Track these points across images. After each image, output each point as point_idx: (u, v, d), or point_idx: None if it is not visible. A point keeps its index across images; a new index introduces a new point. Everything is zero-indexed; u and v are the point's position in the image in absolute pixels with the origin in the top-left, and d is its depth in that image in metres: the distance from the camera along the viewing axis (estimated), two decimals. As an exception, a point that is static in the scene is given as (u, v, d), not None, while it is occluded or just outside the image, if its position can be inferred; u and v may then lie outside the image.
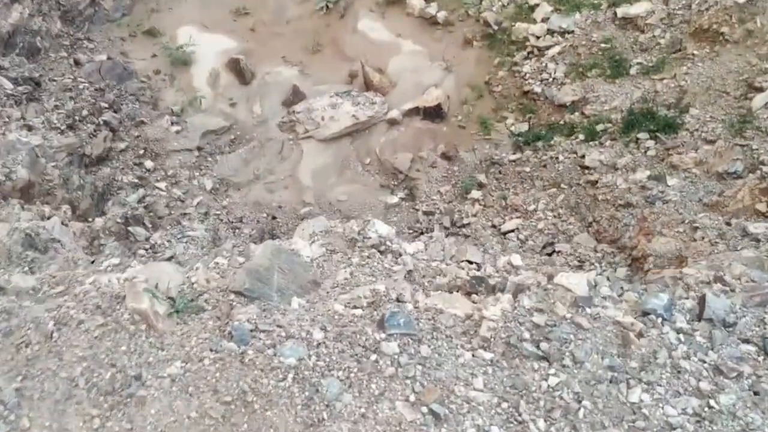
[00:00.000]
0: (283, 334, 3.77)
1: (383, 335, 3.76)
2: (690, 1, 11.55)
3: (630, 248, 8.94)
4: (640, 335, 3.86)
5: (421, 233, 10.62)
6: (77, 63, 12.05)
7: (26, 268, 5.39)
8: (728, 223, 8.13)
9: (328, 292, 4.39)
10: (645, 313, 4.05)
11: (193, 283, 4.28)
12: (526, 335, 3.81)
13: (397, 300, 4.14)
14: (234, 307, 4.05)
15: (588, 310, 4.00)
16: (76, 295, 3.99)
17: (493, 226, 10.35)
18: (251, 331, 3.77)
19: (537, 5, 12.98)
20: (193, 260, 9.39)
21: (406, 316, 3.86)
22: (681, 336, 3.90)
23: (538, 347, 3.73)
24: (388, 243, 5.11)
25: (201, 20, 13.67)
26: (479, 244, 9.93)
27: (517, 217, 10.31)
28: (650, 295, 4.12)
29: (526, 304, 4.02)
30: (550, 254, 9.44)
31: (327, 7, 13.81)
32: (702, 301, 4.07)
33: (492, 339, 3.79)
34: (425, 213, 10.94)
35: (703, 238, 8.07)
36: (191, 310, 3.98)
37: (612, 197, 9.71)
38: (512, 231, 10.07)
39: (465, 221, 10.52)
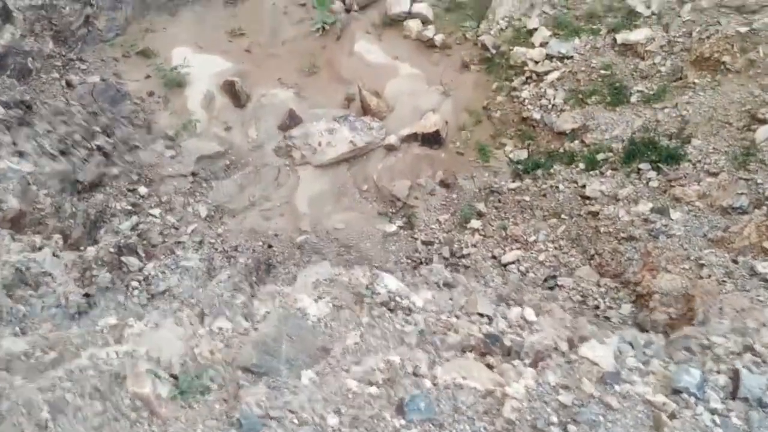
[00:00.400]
0: (296, 420, 3.54)
1: (403, 422, 3.55)
2: (690, 28, 11.48)
3: (634, 284, 8.80)
4: (672, 416, 3.67)
5: (420, 263, 10.46)
6: (69, 85, 11.80)
7: (17, 328, 5.13)
8: (735, 261, 8.02)
9: (338, 361, 4.17)
10: (676, 391, 3.87)
11: (196, 355, 4.06)
12: (554, 418, 3.61)
13: (414, 374, 3.94)
14: (242, 386, 3.83)
15: (617, 387, 3.82)
16: (72, 372, 3.75)
17: (494, 257, 10.19)
18: (261, 417, 3.55)
19: (535, 29, 12.85)
20: (188, 291, 9.23)
21: (425, 398, 3.65)
22: (716, 417, 3.72)
23: (566, 431, 3.54)
24: (397, 299, 4.92)
25: (196, 41, 13.46)
26: (479, 276, 9.77)
27: (518, 248, 10.15)
28: (680, 370, 3.94)
29: (551, 380, 3.83)
30: (552, 288, 9.29)
31: (323, 28, 13.65)
32: (736, 376, 3.90)
33: (517, 422, 3.59)
34: (424, 243, 10.76)
35: (709, 276, 7.95)
36: (196, 389, 3.75)
37: (614, 230, 9.58)
38: (513, 263, 9.92)
39: (465, 251, 10.36)
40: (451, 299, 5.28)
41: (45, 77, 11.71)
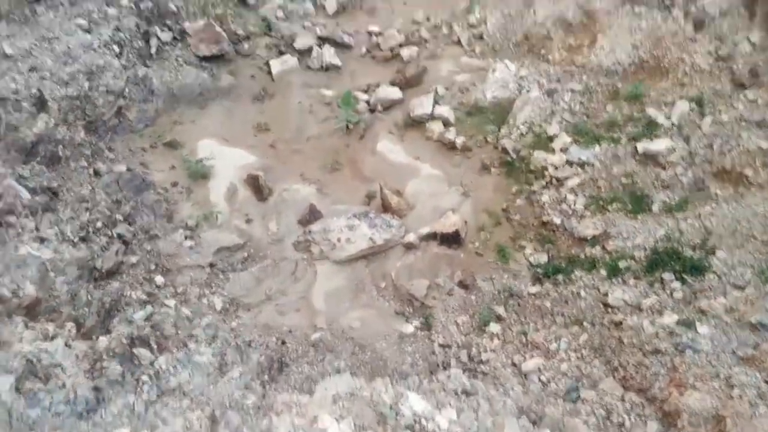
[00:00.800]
0: None
1: None
2: (711, 141, 11.60)
3: (661, 400, 8.43)
4: None
5: (437, 367, 10.17)
6: (97, 173, 12.01)
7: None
8: None
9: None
10: None
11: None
12: None
13: None
14: None
15: None
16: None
17: (513, 364, 9.88)
18: None
19: (555, 136, 13.06)
20: (199, 389, 8.99)
21: None
22: None
23: None
24: (423, 421, 4.71)
25: (222, 134, 13.77)
26: (499, 384, 9.46)
27: (538, 356, 9.86)
28: None
29: None
30: (574, 401, 8.93)
31: (347, 127, 13.95)
32: None
33: None
34: (441, 345, 10.49)
35: (741, 396, 7.63)
36: None
37: (638, 341, 9.31)
38: (533, 371, 9.60)
39: (483, 357, 10.07)
40: (476, 419, 5.04)
41: (74, 165, 11.93)
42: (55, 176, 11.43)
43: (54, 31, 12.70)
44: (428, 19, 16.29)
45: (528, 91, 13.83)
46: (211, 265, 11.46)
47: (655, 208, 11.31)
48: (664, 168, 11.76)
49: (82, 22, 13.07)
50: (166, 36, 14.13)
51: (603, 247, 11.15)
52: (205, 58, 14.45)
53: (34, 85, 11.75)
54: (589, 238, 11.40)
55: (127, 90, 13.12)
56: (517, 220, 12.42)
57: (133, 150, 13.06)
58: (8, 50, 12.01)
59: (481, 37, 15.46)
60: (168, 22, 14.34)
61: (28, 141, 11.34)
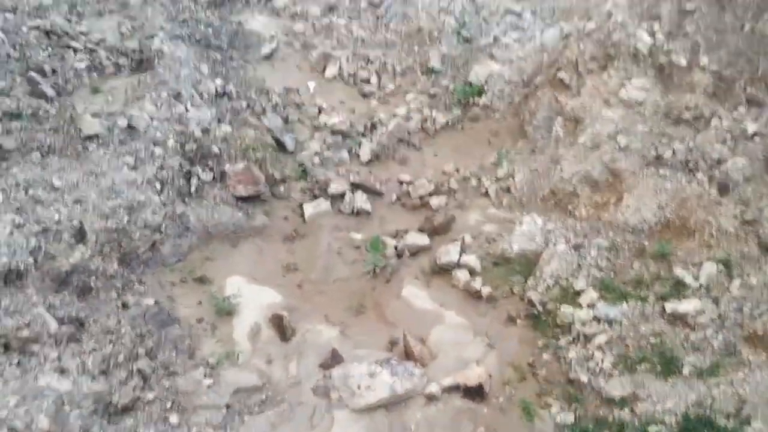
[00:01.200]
0: None
1: None
2: (741, 304, 11.48)
3: None
4: None
5: None
6: (125, 305, 12.16)
7: None
8: None
9: None
10: None
11: None
12: None
13: None
14: None
15: None
16: None
17: None
18: None
19: (582, 290, 13.04)
20: None
21: None
22: None
23: None
24: None
25: (251, 272, 13.95)
26: None
27: None
28: None
29: None
30: None
31: (374, 271, 14.11)
32: None
33: None
34: None
35: None
36: None
37: None
38: None
39: None
40: None
41: (103, 296, 12.12)
42: (84, 307, 11.60)
43: (102, 167, 13.36)
44: (457, 171, 16.86)
45: (555, 245, 13.98)
46: (228, 407, 11.21)
47: (685, 371, 11.01)
48: (693, 329, 11.57)
49: (129, 159, 13.76)
50: (206, 176, 14.79)
51: (632, 410, 10.77)
52: (241, 198, 14.99)
53: (76, 217, 12.22)
54: (617, 399, 11.06)
55: (164, 225, 13.52)
56: (543, 375, 12.14)
57: (163, 284, 13.25)
58: (57, 183, 12.62)
59: (508, 191, 15.88)
60: (210, 163, 15.05)
61: (63, 271, 11.65)
